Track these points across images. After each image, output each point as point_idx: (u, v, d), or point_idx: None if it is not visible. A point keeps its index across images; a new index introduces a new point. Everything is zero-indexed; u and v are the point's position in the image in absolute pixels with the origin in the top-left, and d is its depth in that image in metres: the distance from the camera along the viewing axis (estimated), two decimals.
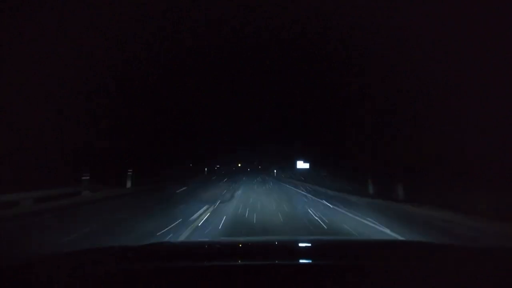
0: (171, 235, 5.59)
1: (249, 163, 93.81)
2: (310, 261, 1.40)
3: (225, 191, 16.06)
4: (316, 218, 7.68)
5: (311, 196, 14.02)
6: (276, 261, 1.37)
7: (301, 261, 1.39)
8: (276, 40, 30.63)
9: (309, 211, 8.91)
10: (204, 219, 7.38)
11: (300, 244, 2.05)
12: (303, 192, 16.12)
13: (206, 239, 4.32)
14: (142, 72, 22.58)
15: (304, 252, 1.71)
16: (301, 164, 32.01)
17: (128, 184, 17.79)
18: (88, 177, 13.78)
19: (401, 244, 2.34)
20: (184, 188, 17.37)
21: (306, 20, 21.48)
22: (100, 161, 18.36)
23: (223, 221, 7.12)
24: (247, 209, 9.04)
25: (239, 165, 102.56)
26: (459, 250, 1.73)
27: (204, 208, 9.13)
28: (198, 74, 39.52)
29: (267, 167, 59.52)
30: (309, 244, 2.03)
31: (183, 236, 5.49)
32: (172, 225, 6.44)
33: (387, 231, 6.21)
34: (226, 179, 29.32)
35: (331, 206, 10.22)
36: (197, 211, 8.40)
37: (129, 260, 1.48)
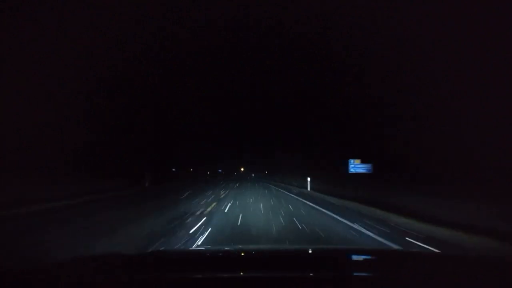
0: None
1: (254, 167, 76.88)
2: (308, 272, 1.40)
3: None
4: None
5: None
6: (281, 274, 1.38)
7: (298, 273, 1.40)
8: (277, 40, 30.46)
9: None
10: None
11: (299, 255, 2.06)
12: None
13: (208, 247, 4.33)
14: (142, 73, 22.58)
15: (302, 263, 1.72)
16: (358, 165, 16.87)
17: None
18: None
19: (403, 254, 2.35)
20: None
21: (310, 19, 21.40)
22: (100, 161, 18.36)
23: None
24: None
25: (242, 169, 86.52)
26: (450, 260, 1.73)
27: None
28: (199, 75, 39.39)
29: (283, 172, 37.69)
30: (308, 255, 2.04)
31: None
32: None
33: None
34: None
35: None
36: None
37: (132, 268, 1.50)
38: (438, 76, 12.06)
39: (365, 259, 1.78)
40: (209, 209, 10.45)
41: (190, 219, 8.25)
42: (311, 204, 12.76)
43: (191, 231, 6.58)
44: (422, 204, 9.05)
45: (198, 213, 9.40)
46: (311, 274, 1.36)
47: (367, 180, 15.61)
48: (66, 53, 14.84)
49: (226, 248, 2.93)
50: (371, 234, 6.59)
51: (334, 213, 9.91)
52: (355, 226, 7.61)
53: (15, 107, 12.55)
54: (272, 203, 13.09)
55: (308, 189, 20.06)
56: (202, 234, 6.30)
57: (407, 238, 6.11)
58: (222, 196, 16.24)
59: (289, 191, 21.61)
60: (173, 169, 43.78)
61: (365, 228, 7.24)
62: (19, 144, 12.76)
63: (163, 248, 4.95)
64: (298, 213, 9.87)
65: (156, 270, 1.45)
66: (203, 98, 44.32)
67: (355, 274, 1.38)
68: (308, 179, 21.21)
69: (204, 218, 8.35)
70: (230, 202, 12.88)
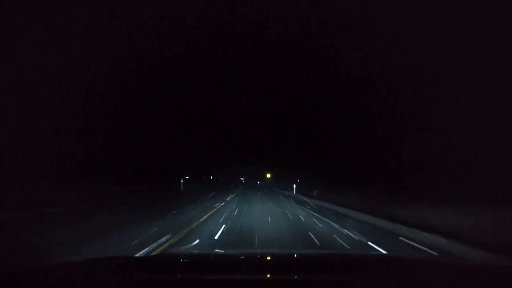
0: None
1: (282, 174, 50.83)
2: (304, 277, 1.45)
3: None
4: None
5: None
6: (280, 277, 1.43)
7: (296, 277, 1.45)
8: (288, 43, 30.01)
9: None
10: None
11: (299, 259, 2.10)
12: None
13: (213, 251, 4.41)
14: (150, 76, 22.46)
15: (298, 268, 1.76)
16: None
17: None
18: None
19: (393, 259, 2.41)
20: None
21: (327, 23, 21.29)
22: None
23: None
24: None
25: (268, 175, 60.34)
26: (444, 266, 1.77)
27: None
28: (219, 75, 38.49)
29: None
30: (304, 259, 2.08)
31: None
32: None
33: None
34: None
35: None
36: None
37: (139, 270, 1.54)
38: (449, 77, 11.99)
39: (362, 264, 1.84)
40: None
41: None
42: None
43: None
44: None
45: None
46: (310, 278, 1.39)
47: None
48: (68, 56, 14.81)
49: (232, 252, 3.01)
50: None
51: None
52: None
53: (15, 107, 12.48)
54: None
55: None
56: None
57: None
58: None
59: None
60: (187, 177, 40.84)
61: None
62: (18, 145, 12.66)
63: (172, 250, 5.00)
64: None
65: (163, 272, 1.48)
66: (222, 98, 42.92)
67: (350, 278, 1.41)
68: None
69: None
70: None
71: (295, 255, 2.24)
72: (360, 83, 20.15)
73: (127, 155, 20.82)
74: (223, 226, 7.92)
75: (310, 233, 7.16)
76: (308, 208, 13.79)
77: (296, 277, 1.40)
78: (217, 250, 4.67)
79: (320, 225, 8.67)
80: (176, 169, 32.29)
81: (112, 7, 15.82)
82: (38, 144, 13.27)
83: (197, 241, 5.94)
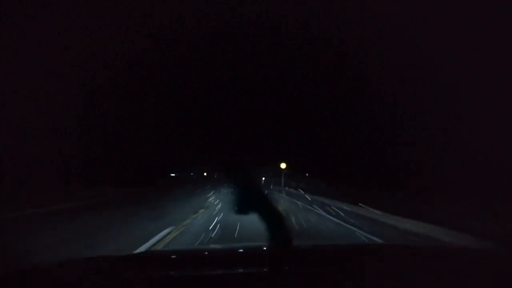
0: None
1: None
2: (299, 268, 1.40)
3: None
4: None
5: None
6: (269, 270, 1.34)
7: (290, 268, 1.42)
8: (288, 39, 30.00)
9: None
10: None
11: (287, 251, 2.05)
12: None
13: (202, 247, 4.27)
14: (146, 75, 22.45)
15: (292, 259, 1.74)
16: None
17: None
18: None
19: (385, 247, 2.36)
20: None
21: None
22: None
23: None
24: None
25: (283, 165, 37.61)
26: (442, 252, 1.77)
27: None
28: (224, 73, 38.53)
29: None
30: (299, 251, 2.03)
31: None
32: None
33: None
34: None
35: None
36: None
37: (124, 269, 1.47)
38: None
39: (355, 254, 1.78)
40: None
41: None
42: None
43: None
44: None
45: None
46: (301, 270, 1.36)
47: None
48: (66, 57, 14.81)
49: (218, 247, 2.91)
50: None
51: None
52: None
53: (14, 108, 12.48)
54: None
55: None
56: None
57: None
58: None
59: None
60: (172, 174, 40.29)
61: None
62: (17, 146, 12.66)
63: (158, 248, 4.91)
64: None
65: (150, 270, 1.43)
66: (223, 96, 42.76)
67: (343, 268, 1.36)
68: None
69: None
70: None
71: (295, 247, 2.19)
72: (360, 83, 20.16)
73: (127, 155, 20.79)
74: None
75: None
76: None
77: (301, 269, 1.36)
78: (212, 245, 4.56)
79: None
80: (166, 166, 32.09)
81: (112, 7, 15.83)
82: (38, 144, 13.26)
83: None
